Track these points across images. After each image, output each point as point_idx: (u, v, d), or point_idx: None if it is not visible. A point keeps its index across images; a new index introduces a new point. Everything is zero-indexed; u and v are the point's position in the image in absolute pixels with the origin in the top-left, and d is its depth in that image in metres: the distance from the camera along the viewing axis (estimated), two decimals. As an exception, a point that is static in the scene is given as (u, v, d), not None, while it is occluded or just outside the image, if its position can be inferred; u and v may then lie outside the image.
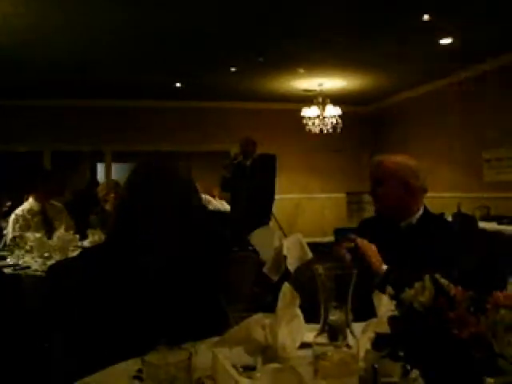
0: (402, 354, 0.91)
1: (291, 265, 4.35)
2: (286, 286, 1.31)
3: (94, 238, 4.31)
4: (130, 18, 5.99)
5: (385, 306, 1.40)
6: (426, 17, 6.01)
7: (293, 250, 4.33)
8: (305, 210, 11.25)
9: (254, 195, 6.49)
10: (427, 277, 0.91)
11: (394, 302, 0.91)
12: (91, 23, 6.06)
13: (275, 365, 0.96)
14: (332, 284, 1.22)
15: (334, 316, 1.25)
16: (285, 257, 4.22)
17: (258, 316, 1.25)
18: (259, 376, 0.97)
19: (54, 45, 6.83)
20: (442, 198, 8.00)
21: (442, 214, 6.84)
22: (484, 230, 5.52)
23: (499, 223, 6.35)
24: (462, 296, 0.87)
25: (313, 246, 7.92)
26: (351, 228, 9.49)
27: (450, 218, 6.42)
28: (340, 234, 9.89)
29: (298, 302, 1.31)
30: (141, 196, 1.56)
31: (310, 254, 4.50)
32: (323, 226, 11.17)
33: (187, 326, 1.47)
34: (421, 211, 2.39)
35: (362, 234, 2.56)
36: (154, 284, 1.54)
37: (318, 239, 10.77)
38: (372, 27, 6.41)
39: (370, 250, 2.25)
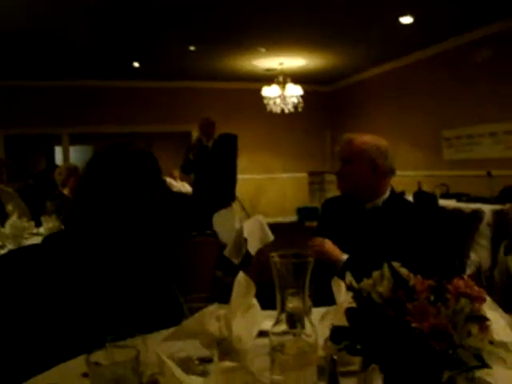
0: (360, 347, 0.87)
1: (252, 247, 4.35)
2: (241, 275, 1.26)
3: (48, 224, 4.12)
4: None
5: (343, 293, 1.37)
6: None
7: (254, 233, 4.33)
8: (267, 191, 11.27)
9: (217, 177, 6.43)
10: (385, 265, 0.89)
11: (350, 294, 0.88)
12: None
13: (227, 363, 0.91)
14: (289, 272, 1.18)
15: (292, 303, 1.21)
16: (246, 239, 4.21)
17: (213, 307, 1.21)
18: (211, 376, 0.92)
19: (9, 18, 6.50)
20: (403, 176, 8.07)
21: (403, 193, 6.93)
22: (443, 208, 5.60)
23: (458, 200, 6.49)
24: (422, 286, 0.83)
25: (275, 226, 7.99)
26: (313, 207, 9.44)
27: (411, 197, 6.51)
28: (302, 213, 9.96)
29: (253, 291, 1.25)
30: (98, 182, 1.52)
31: (271, 236, 4.50)
32: (285, 206, 11.24)
33: (139, 317, 1.41)
34: (387, 193, 2.36)
35: (326, 213, 2.56)
36: (108, 273, 1.50)
37: (280, 219, 10.86)
38: (332, 6, 6.37)
39: (326, 244, 2.22)
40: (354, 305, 0.90)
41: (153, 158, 3.14)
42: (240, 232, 4.08)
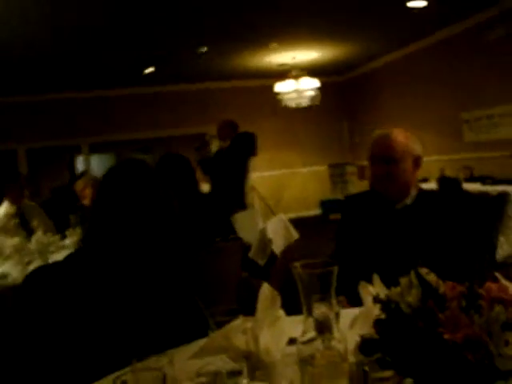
0: (390, 359, 0.83)
1: (277, 247, 4.30)
2: (265, 287, 1.23)
3: (73, 238, 4.04)
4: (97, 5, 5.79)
5: (372, 296, 1.32)
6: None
7: (278, 232, 4.28)
8: (289, 186, 11.09)
9: (231, 178, 6.33)
10: (413, 273, 0.84)
11: (377, 306, 0.83)
12: (53, 9, 5.70)
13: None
14: (313, 281, 1.13)
15: (319, 310, 1.16)
16: (270, 240, 4.16)
17: (238, 321, 1.18)
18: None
19: (24, 34, 6.39)
20: (425, 162, 7.93)
21: (426, 180, 6.79)
22: (469, 193, 5.49)
23: (483, 183, 6.36)
24: (453, 293, 0.79)
25: (300, 221, 7.88)
26: (336, 199, 9.31)
27: (433, 182, 6.40)
28: (325, 205, 9.88)
29: (279, 302, 1.22)
30: (112, 198, 1.49)
31: (295, 234, 4.45)
32: (308, 200, 11.04)
33: (164, 332, 1.39)
34: (415, 190, 2.24)
35: (350, 213, 2.41)
36: (130, 290, 1.50)
37: (304, 213, 10.80)
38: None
39: None
40: (382, 316, 0.86)
41: (181, 162, 3.07)
42: (264, 232, 4.03)
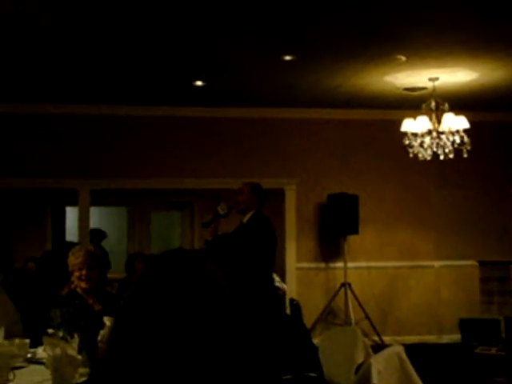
0: None
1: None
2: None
3: (54, 350, 3.59)
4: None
5: None
6: None
7: (389, 376, 4.12)
8: (407, 288, 10.23)
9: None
10: None
11: None
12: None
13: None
14: None
15: None
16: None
17: None
18: None
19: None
20: None
21: None
22: None
23: None
24: None
25: (424, 351, 7.75)
26: (488, 320, 9.15)
27: None
28: (468, 328, 9.50)
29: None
30: (151, 322, 1.46)
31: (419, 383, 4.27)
32: (440, 316, 10.20)
33: None
34: None
35: None
36: None
37: (430, 338, 10.36)
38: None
39: None
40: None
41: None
42: (366, 373, 3.82)
